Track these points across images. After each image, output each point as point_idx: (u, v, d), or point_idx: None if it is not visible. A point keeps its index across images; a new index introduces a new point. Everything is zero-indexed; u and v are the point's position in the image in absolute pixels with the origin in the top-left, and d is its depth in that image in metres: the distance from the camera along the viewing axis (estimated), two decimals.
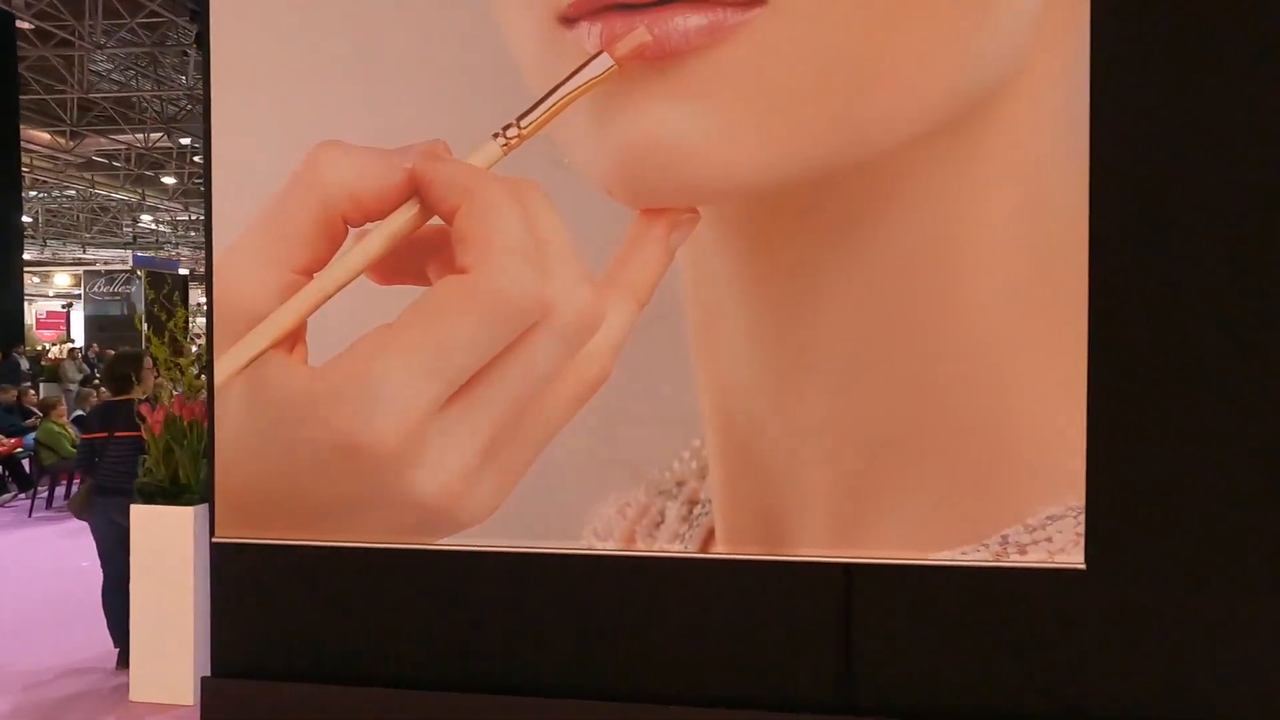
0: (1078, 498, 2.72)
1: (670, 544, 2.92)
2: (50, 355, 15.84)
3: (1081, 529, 2.73)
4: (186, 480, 3.32)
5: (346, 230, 3.08)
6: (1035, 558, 2.76)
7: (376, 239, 3.06)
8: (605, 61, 2.72)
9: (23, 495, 7.46)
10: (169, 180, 19.69)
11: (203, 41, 3.11)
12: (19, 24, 12.26)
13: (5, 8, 11.76)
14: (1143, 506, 2.74)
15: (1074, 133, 2.70)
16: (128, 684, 3.46)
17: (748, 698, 2.88)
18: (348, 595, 3.10)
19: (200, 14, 3.07)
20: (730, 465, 2.91)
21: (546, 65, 2.82)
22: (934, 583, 2.82)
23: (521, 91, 2.89)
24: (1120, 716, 2.73)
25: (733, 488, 2.91)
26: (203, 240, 3.09)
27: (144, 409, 3.39)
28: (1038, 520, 2.76)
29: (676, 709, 2.90)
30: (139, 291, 17.35)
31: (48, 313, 22.23)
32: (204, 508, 3.19)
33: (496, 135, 2.92)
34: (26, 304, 19.98)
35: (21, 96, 13.35)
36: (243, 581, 3.14)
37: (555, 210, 3.03)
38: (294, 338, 3.14)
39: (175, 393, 3.32)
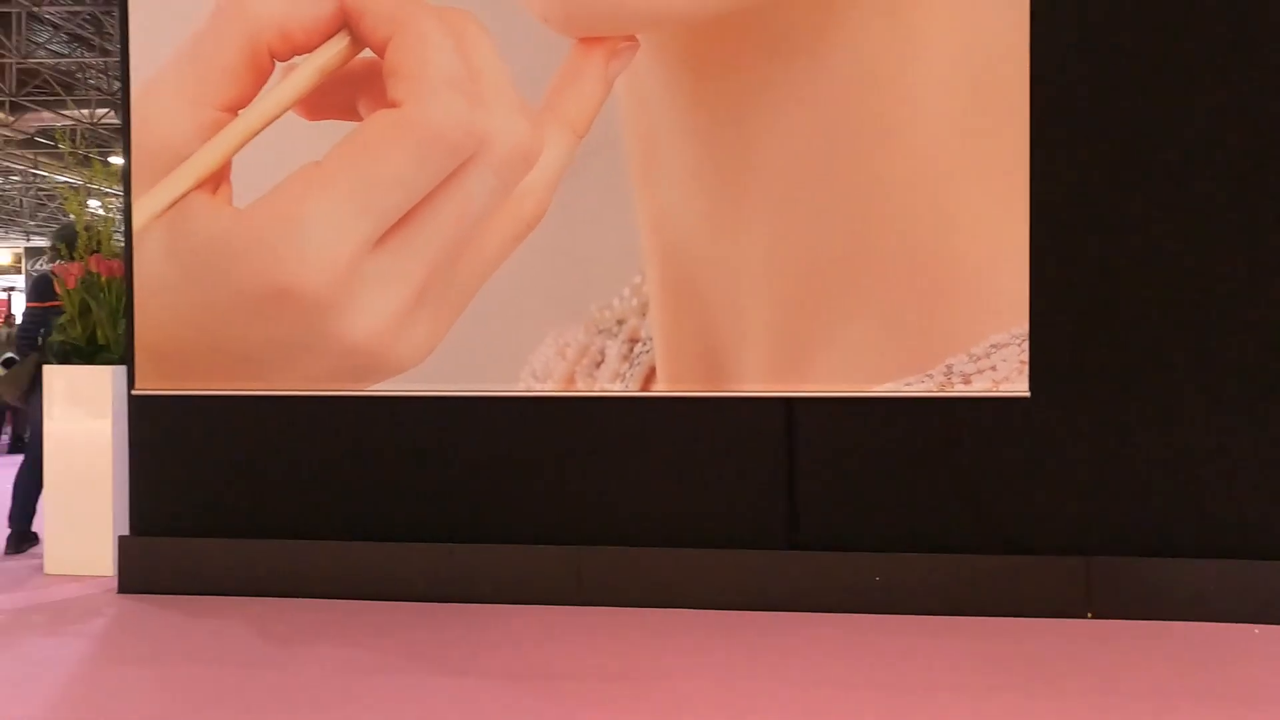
0: (1022, 325, 2.70)
1: (611, 383, 2.84)
2: None
3: (1026, 356, 2.71)
4: (104, 340, 3.15)
5: (273, 64, 2.97)
6: (980, 387, 2.73)
7: (305, 73, 2.95)
8: None
9: None
10: (116, 161, 19.11)
11: None
12: None
13: None
14: (1088, 331, 2.72)
15: None
16: (42, 562, 3.28)
17: (692, 536, 2.80)
18: (275, 446, 2.96)
19: None
20: (671, 301, 2.84)
21: None
22: (877, 415, 2.77)
23: None
24: (1062, 547, 2.70)
25: (674, 324, 2.84)
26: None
27: (57, 267, 3.22)
28: (982, 349, 2.74)
29: (621, 549, 2.81)
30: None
31: None
32: (123, 369, 3.03)
33: None
34: None
35: None
36: (164, 437, 2.98)
37: (490, 40, 2.95)
38: (218, 178, 3.01)
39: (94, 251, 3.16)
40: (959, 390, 2.73)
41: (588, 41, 2.82)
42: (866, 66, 2.73)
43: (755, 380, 2.79)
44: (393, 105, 2.80)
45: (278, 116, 2.86)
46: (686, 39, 2.81)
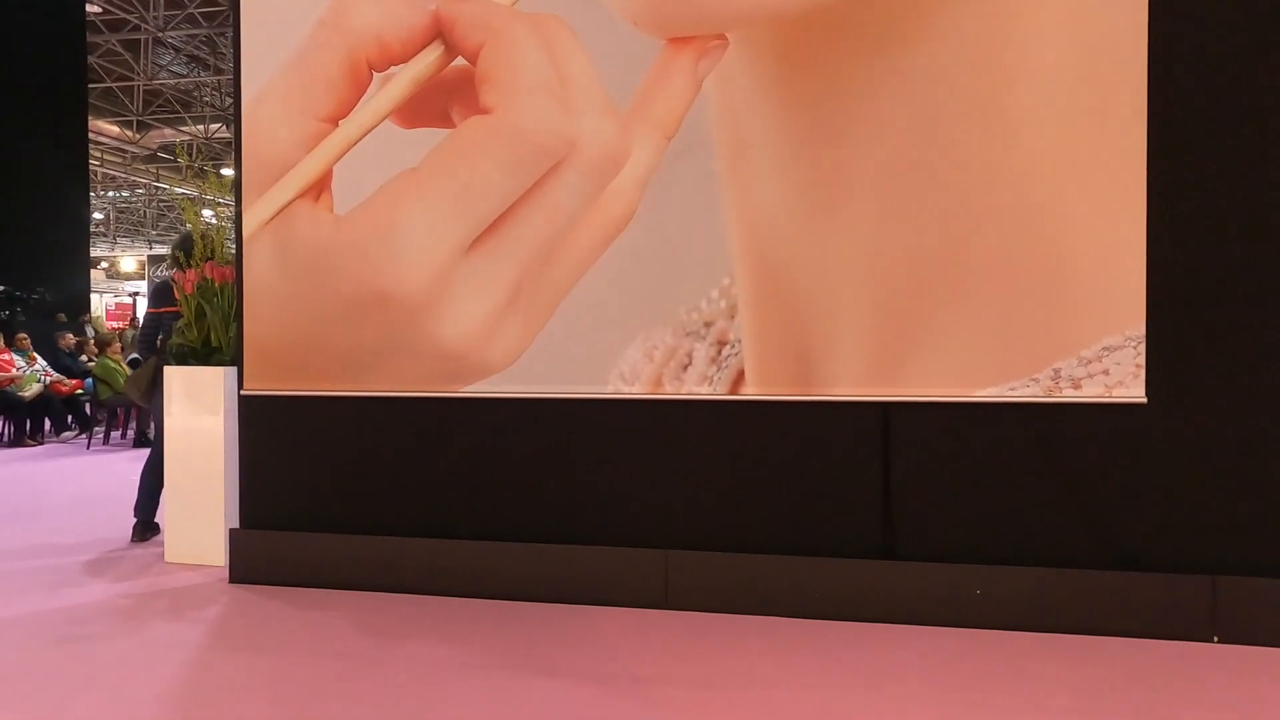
0: (1137, 326, 2.53)
1: (699, 386, 2.81)
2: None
3: (1142, 359, 2.54)
4: (218, 342, 3.33)
5: (371, 75, 3.07)
6: (1091, 392, 2.57)
7: (401, 82, 3.04)
8: None
9: (83, 434, 7.72)
10: (227, 172, 20.32)
11: None
12: (88, 7, 12.78)
13: None
14: (1211, 332, 2.53)
15: None
16: (163, 550, 3.50)
17: (782, 543, 2.75)
18: (373, 445, 3.06)
19: None
20: (761, 303, 2.79)
21: None
22: (978, 421, 2.65)
23: None
24: (1185, 564, 2.51)
25: (763, 326, 2.79)
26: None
27: (176, 275, 3.42)
28: (1093, 352, 2.58)
29: (709, 554, 2.78)
30: None
31: (117, 304, 23.17)
32: (234, 369, 3.19)
33: None
34: (98, 297, 20.91)
35: (90, 85, 13.95)
36: (270, 435, 3.13)
37: (579, 44, 2.97)
38: (320, 186, 3.13)
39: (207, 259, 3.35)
40: (1068, 395, 2.58)
41: (677, 41, 2.81)
42: (967, 56, 2.61)
43: (849, 384, 2.71)
44: (484, 112, 2.85)
45: (375, 126, 2.95)
46: (778, 35, 2.76)
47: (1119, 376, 2.57)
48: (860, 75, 2.68)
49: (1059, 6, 2.56)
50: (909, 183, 2.67)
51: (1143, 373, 2.54)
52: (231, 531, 3.15)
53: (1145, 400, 2.52)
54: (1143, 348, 2.53)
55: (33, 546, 3.76)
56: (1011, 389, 2.61)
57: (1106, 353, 2.58)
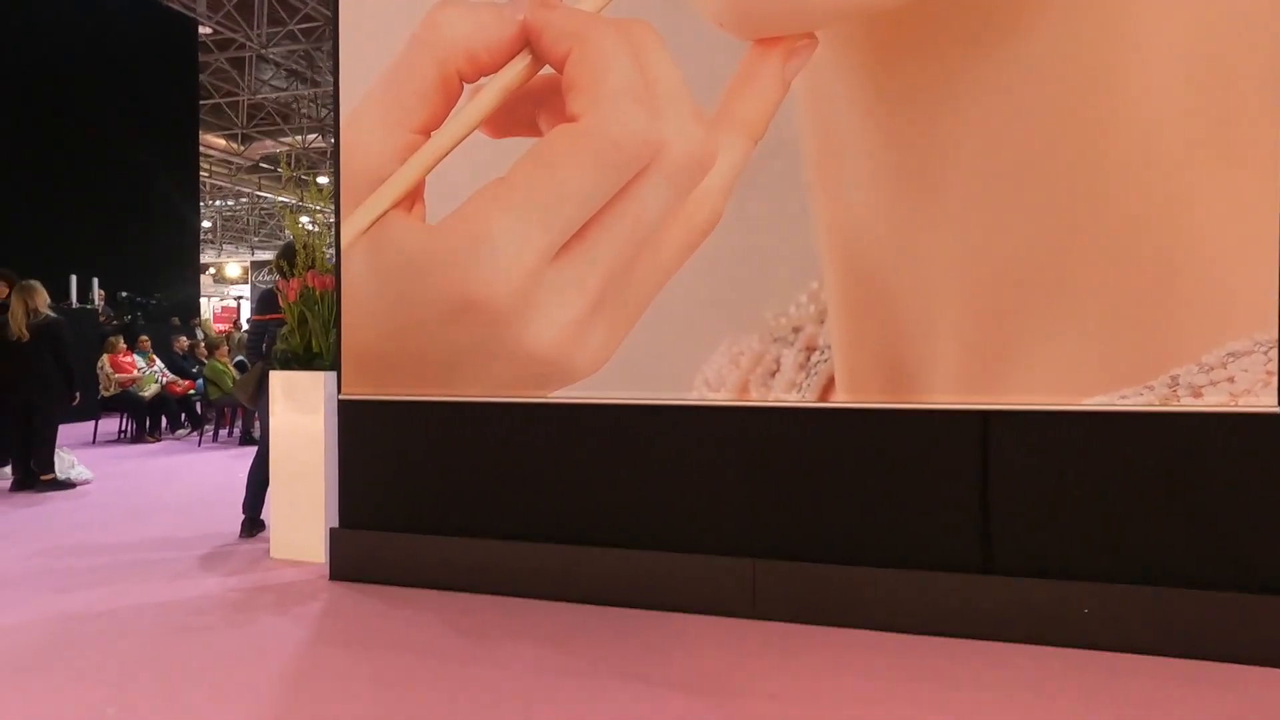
0: (1268, 329, 2.35)
1: (787, 393, 2.76)
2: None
3: (1274, 366, 2.35)
4: (318, 348, 3.47)
5: (462, 87, 3.14)
6: (1214, 400, 2.40)
7: (490, 93, 3.10)
8: None
9: (194, 432, 8.19)
10: (323, 180, 21.22)
11: None
12: (200, 29, 13.57)
13: (189, 13, 13.06)
14: None
15: None
16: (269, 546, 3.67)
17: (874, 555, 2.67)
18: (463, 449, 3.12)
19: None
20: (852, 307, 2.72)
21: None
22: (1087, 431, 2.51)
23: None
24: None
25: (855, 331, 2.71)
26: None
27: (280, 283, 3.57)
28: (1216, 357, 2.41)
29: (797, 564, 2.72)
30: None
31: (223, 307, 24.50)
32: (334, 375, 3.31)
33: None
34: (205, 301, 22.23)
35: (200, 102, 14.82)
36: (366, 438, 3.24)
37: (665, 48, 2.96)
38: (413, 197, 3.22)
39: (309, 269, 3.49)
40: (1188, 404, 2.41)
41: (764, 42, 2.76)
42: (1074, 42, 2.48)
43: (946, 391, 2.61)
44: (572, 119, 2.87)
45: (466, 136, 3.01)
46: (869, 31, 2.67)
47: (1246, 384, 2.38)
48: (958, 70, 2.58)
49: None
50: (1011, 179, 2.55)
51: (1275, 380, 2.35)
52: (331, 531, 3.27)
53: (1278, 410, 2.34)
54: (1274, 353, 2.35)
55: (154, 539, 4.01)
56: (1123, 397, 2.46)
57: (1231, 358, 2.40)
